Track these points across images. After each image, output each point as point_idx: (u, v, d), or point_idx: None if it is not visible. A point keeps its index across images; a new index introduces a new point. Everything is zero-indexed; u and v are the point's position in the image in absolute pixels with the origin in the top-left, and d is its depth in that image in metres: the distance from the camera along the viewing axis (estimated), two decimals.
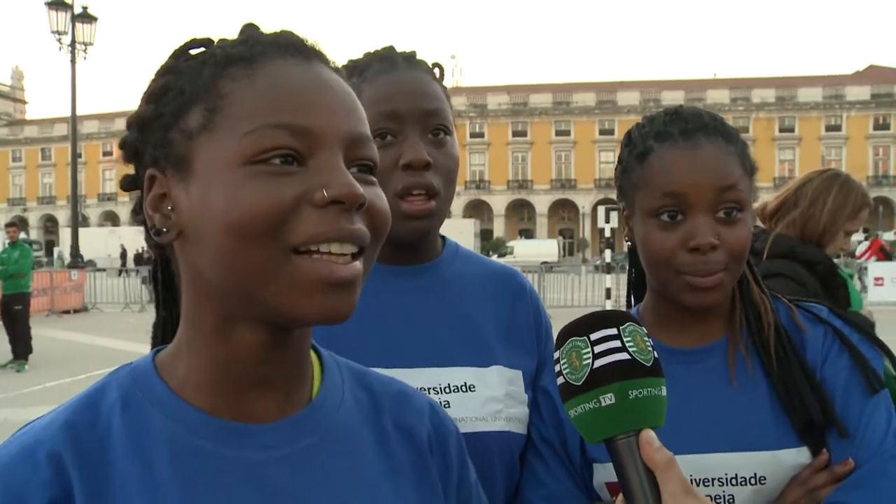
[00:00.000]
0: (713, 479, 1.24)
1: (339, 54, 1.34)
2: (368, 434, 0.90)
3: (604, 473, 1.31)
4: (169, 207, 0.79)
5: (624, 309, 1.29)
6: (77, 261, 22.01)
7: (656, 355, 0.91)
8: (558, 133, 67.33)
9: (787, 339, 1.30)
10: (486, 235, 59.30)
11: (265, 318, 0.78)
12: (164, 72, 0.83)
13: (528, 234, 62.57)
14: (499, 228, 65.54)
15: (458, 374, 1.35)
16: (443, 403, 1.31)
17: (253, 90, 0.77)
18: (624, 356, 0.89)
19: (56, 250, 48.82)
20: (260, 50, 0.80)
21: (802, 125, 66.23)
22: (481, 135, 68.68)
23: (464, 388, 1.34)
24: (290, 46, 0.81)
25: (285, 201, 0.73)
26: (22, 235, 12.57)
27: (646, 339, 0.92)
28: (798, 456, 1.24)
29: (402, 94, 1.33)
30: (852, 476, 1.20)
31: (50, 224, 70.40)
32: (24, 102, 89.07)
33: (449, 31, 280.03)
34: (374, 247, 0.82)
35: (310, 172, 0.75)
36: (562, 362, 0.92)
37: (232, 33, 0.84)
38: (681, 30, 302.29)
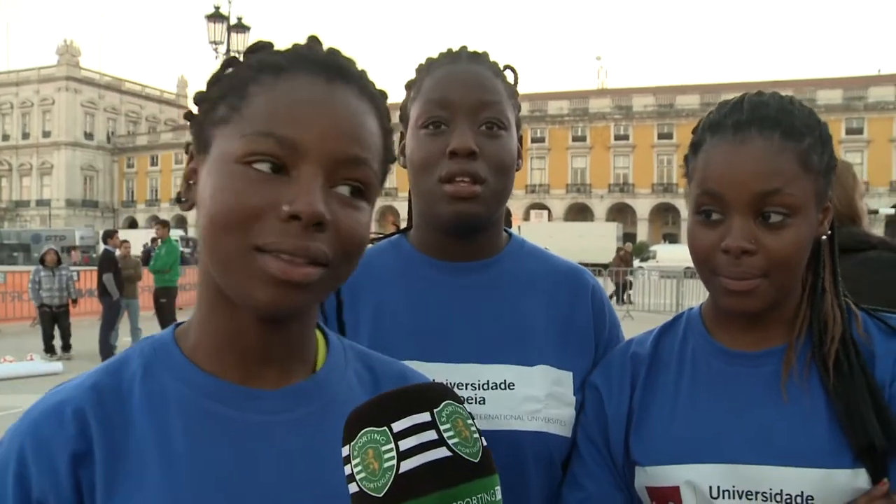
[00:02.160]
0: (756, 493, 1.15)
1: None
2: None
3: (644, 477, 1.25)
4: (191, 182, 0.90)
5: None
6: None
7: (485, 443, 0.69)
8: None
9: (855, 352, 1.18)
10: (629, 239, 58.14)
11: None
12: (222, 66, 0.92)
13: (672, 238, 60.77)
14: (642, 232, 64.12)
15: (499, 372, 1.33)
16: (478, 400, 1.31)
17: (266, 98, 0.84)
18: (443, 452, 0.65)
19: None
20: (291, 62, 0.86)
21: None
22: (626, 137, 67.48)
23: (502, 386, 1.32)
24: (319, 64, 0.87)
25: (253, 207, 0.80)
26: (181, 233, 13.39)
27: (469, 421, 0.69)
28: (853, 478, 1.12)
29: (455, 85, 1.34)
30: None
31: None
32: (187, 109, 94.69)
33: (595, 34, 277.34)
34: (342, 265, 0.85)
35: (289, 183, 0.81)
36: (353, 462, 0.68)
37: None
38: (838, 27, 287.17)
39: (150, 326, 12.59)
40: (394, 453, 0.65)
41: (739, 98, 1.22)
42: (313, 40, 0.92)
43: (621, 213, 66.03)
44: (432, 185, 1.31)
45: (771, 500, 1.13)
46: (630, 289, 21.60)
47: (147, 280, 13.57)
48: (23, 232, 59.12)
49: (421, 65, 1.44)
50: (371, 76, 0.92)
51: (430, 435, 0.66)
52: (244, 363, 0.89)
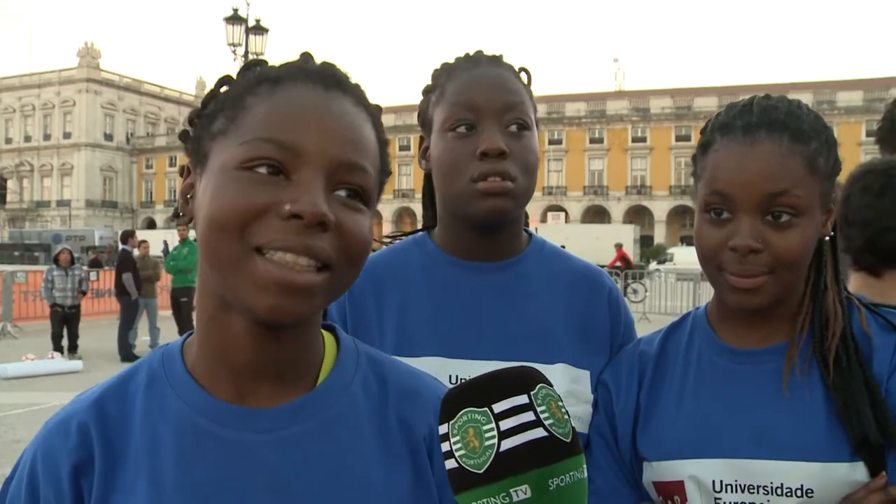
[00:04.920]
0: (758, 487, 1.18)
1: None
2: (371, 423, 0.92)
3: (651, 472, 1.29)
4: (189, 196, 0.90)
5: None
6: None
7: (573, 424, 0.74)
8: None
9: (854, 348, 1.21)
10: (646, 242, 57.98)
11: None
12: (218, 83, 0.92)
13: (689, 240, 60.21)
14: (659, 235, 63.86)
15: None
16: None
17: (264, 106, 0.84)
18: (540, 433, 0.69)
19: None
20: (288, 74, 0.87)
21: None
22: (643, 139, 67.25)
23: None
24: (316, 74, 0.88)
25: (255, 205, 0.80)
26: (193, 233, 13.48)
27: (560, 403, 0.74)
28: (851, 471, 1.15)
29: (480, 88, 1.38)
30: None
31: None
32: None
33: (612, 36, 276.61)
34: (346, 270, 0.84)
35: (289, 186, 0.81)
36: (453, 440, 0.72)
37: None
38: (859, 28, 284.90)
39: (168, 326, 12.72)
40: (495, 433, 0.69)
41: (749, 100, 1.26)
42: (307, 56, 0.92)
43: (638, 215, 65.78)
44: (464, 186, 1.35)
45: (772, 494, 1.16)
46: None
47: (165, 280, 13.68)
48: (43, 232, 59.74)
49: (438, 69, 1.46)
50: (365, 90, 0.93)
51: (529, 416, 0.69)
52: (238, 379, 0.88)
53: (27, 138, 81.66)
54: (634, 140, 67.57)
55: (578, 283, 1.48)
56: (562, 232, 43.65)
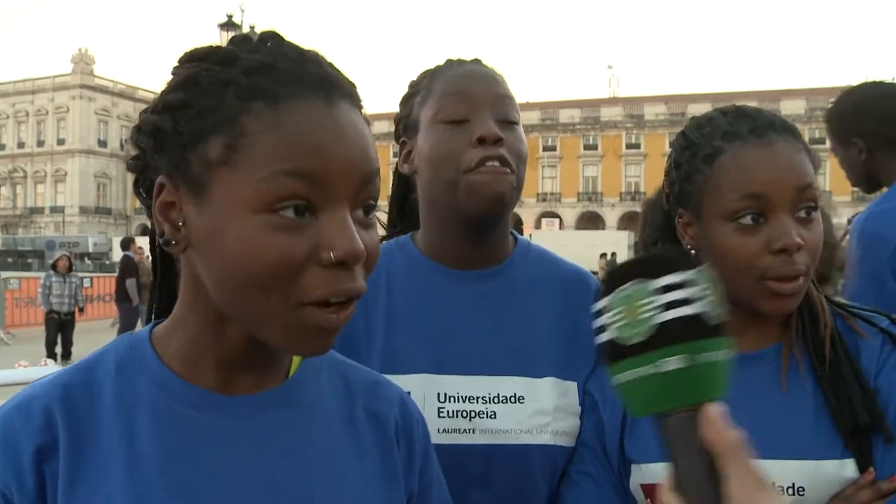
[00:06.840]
0: None
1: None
2: (340, 414, 0.97)
3: (639, 475, 1.29)
4: (180, 223, 0.83)
5: None
6: None
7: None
8: None
9: (840, 342, 1.22)
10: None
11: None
12: (185, 82, 0.83)
13: None
14: None
15: (508, 385, 1.35)
16: (489, 413, 1.32)
17: (273, 133, 0.78)
18: (699, 308, 0.71)
19: None
20: (284, 87, 0.79)
21: None
22: (637, 146, 67.32)
23: (512, 400, 1.34)
24: (315, 84, 0.81)
25: (296, 259, 0.77)
26: None
27: (717, 287, 0.75)
28: (841, 469, 1.16)
29: (471, 80, 1.38)
30: None
31: None
32: None
33: (606, 42, 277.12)
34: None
35: (319, 226, 0.78)
36: (611, 313, 0.74)
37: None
38: (846, 35, 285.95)
39: None
40: (655, 305, 0.71)
41: (734, 109, 1.28)
42: (277, 41, 0.85)
43: (633, 221, 65.54)
44: (457, 177, 1.32)
45: None
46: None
47: None
48: (37, 238, 59.56)
49: (420, 75, 1.47)
50: (349, 75, 0.88)
51: (695, 290, 0.71)
52: (224, 372, 0.89)
53: (20, 144, 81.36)
54: (629, 146, 67.59)
55: (566, 288, 1.46)
56: (556, 238, 43.63)
